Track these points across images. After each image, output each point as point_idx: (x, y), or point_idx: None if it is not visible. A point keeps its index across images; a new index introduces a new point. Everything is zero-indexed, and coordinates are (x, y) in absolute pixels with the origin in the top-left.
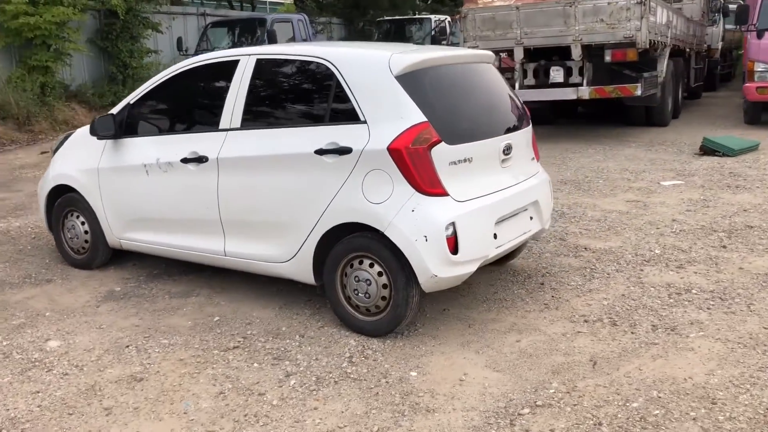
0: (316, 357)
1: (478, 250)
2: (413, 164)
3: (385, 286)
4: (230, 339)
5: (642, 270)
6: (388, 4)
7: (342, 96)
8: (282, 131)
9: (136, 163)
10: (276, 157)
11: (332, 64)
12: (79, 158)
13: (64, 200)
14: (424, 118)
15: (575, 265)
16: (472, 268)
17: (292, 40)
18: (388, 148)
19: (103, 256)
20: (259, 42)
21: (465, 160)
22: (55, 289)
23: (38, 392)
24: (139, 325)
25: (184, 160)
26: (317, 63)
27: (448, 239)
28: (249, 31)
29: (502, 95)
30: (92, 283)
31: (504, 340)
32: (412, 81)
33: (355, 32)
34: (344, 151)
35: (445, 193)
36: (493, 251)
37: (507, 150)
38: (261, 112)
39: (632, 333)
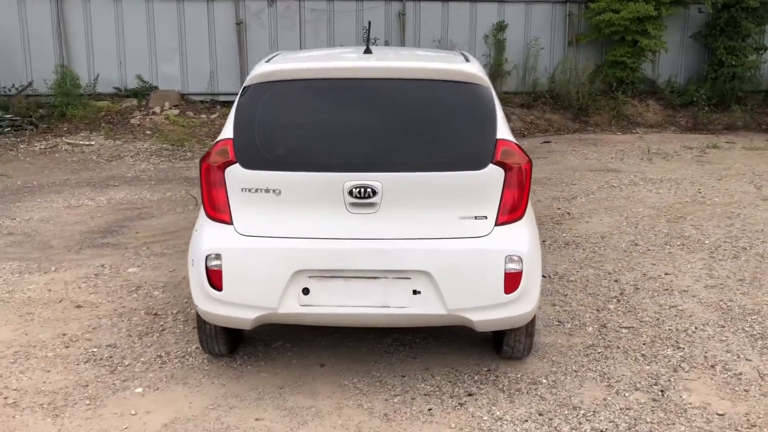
0: (148, 368)
1: (256, 297)
2: (206, 182)
3: None
4: (157, 336)
5: None
6: None
7: None
8: None
9: None
10: None
11: None
12: None
13: None
14: (229, 135)
15: (578, 399)
16: (249, 315)
17: None
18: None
19: None
20: None
21: (268, 191)
22: None
23: (50, 278)
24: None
25: None
26: None
27: (209, 270)
28: None
29: (411, 124)
30: None
31: (244, 416)
32: (254, 93)
33: None
34: None
35: (227, 221)
36: (296, 309)
37: (361, 192)
38: None
39: None
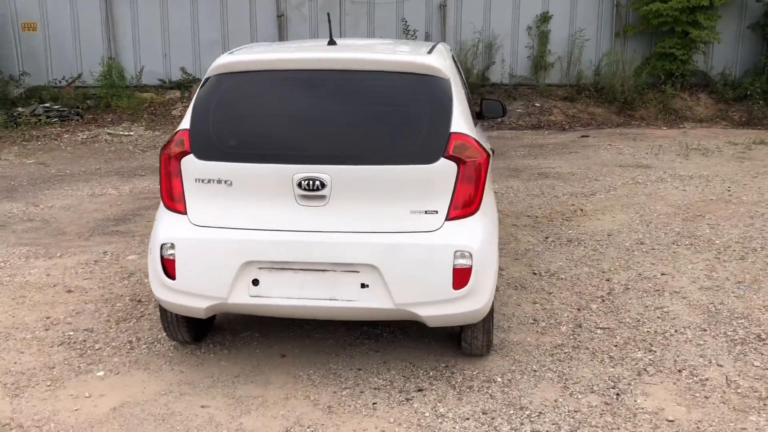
0: (113, 348)
1: (207, 286)
2: (165, 172)
3: None
4: (134, 322)
5: None
6: None
7: None
8: None
9: None
10: None
11: None
12: None
13: None
14: (186, 126)
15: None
16: (201, 304)
17: None
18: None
19: None
20: None
21: (219, 181)
22: None
23: (52, 263)
24: None
25: None
26: None
27: (164, 259)
28: None
29: (365, 116)
30: None
31: (192, 403)
32: (213, 84)
33: None
34: None
35: (182, 211)
36: (246, 299)
37: (310, 185)
38: None
39: None
